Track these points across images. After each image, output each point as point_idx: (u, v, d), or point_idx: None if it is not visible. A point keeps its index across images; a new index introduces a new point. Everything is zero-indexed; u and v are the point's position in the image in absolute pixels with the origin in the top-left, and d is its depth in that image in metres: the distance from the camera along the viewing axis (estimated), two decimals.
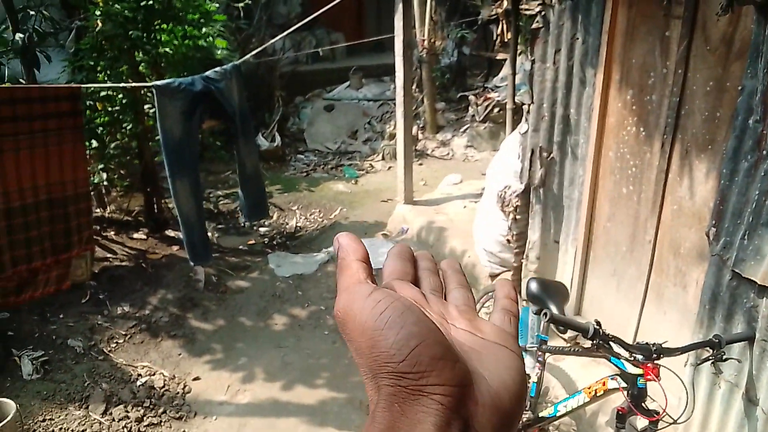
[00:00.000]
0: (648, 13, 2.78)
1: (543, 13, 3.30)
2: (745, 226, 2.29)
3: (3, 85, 3.75)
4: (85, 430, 3.31)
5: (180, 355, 4.04)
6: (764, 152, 2.21)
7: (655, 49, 2.78)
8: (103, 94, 4.91)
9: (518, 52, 5.79)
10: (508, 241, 3.92)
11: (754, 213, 2.25)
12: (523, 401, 0.39)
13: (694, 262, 2.71)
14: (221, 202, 6.70)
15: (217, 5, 5.32)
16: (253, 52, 5.35)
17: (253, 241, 5.84)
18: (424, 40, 8.38)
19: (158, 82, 3.76)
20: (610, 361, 2.24)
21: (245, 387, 3.76)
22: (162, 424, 3.43)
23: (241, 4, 6.95)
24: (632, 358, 2.15)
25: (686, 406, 2.17)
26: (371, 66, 10.24)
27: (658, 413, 2.13)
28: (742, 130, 2.29)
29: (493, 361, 0.38)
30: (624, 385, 2.21)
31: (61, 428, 3.30)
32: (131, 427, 3.36)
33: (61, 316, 4.15)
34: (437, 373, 0.34)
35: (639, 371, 2.14)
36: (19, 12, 4.39)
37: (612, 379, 2.27)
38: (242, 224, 5.98)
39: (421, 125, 8.66)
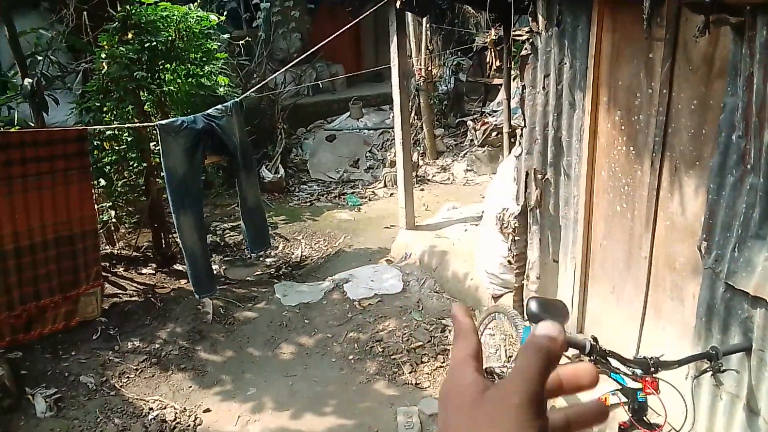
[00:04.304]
0: (631, 36, 2.89)
1: (531, 40, 3.41)
2: (735, 239, 2.35)
3: (12, 130, 3.88)
4: None
5: (190, 387, 4.08)
6: (748, 167, 2.29)
7: (640, 71, 2.88)
8: (109, 133, 5.05)
9: (512, 77, 5.93)
10: (509, 262, 3.98)
11: (742, 225, 2.32)
12: None
13: (690, 276, 2.76)
14: (227, 235, 6.79)
15: (219, 44, 5.50)
16: (255, 88, 5.52)
17: (259, 272, 5.92)
18: (420, 69, 8.56)
19: (161, 122, 3.89)
20: (610, 376, 2.28)
21: (255, 417, 3.80)
22: None
23: (241, 42, 7.16)
24: (631, 373, 2.19)
25: (686, 418, 2.20)
26: (371, 96, 10.42)
27: (659, 426, 2.17)
28: (727, 146, 2.37)
29: None
30: (624, 399, 2.24)
31: None
32: None
33: (73, 353, 4.20)
34: None
35: (638, 385, 2.18)
36: (28, 57, 4.57)
37: (613, 394, 2.31)
38: (248, 255, 6.05)
39: (421, 152, 8.78)
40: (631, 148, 3.01)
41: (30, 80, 4.35)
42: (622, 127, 3.04)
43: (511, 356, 3.69)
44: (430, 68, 8.85)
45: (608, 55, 3.05)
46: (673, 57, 2.67)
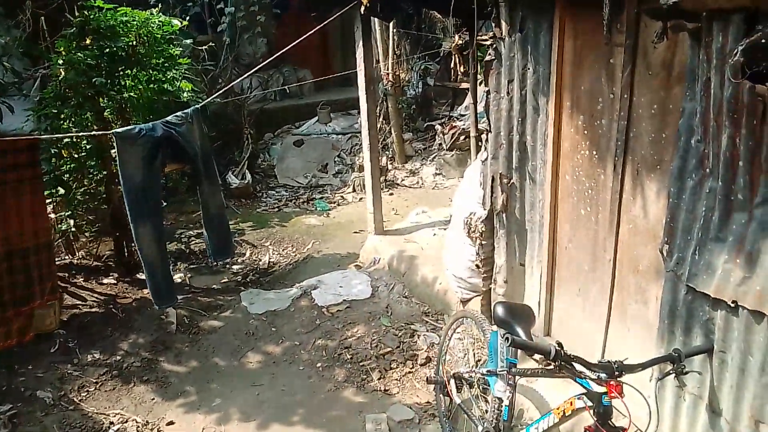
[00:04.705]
0: (593, 42, 2.91)
1: (494, 45, 3.42)
2: (695, 242, 2.38)
3: None
4: None
5: (153, 399, 3.97)
6: (707, 170, 2.32)
7: (601, 76, 2.90)
8: (67, 141, 4.90)
9: (479, 81, 5.97)
10: (477, 266, 3.98)
11: (702, 229, 2.35)
12: None
13: (653, 279, 2.79)
14: (192, 242, 6.66)
15: (182, 49, 5.40)
16: (219, 93, 5.42)
17: (225, 280, 5.81)
18: (388, 73, 8.57)
19: (118, 130, 3.79)
20: (575, 380, 2.28)
21: (221, 428, 3.72)
22: None
23: (205, 47, 7.05)
24: (596, 377, 2.20)
25: (650, 420, 2.22)
26: (339, 100, 10.39)
27: (624, 429, 2.18)
28: (686, 150, 2.40)
29: None
30: (590, 403, 2.25)
31: None
32: None
33: (30, 367, 4.05)
34: None
35: (603, 389, 2.18)
36: None
37: (578, 398, 2.31)
38: (214, 263, 5.95)
39: (390, 156, 8.78)
40: (594, 152, 3.03)
41: None
42: (585, 132, 3.06)
43: (479, 360, 3.69)
44: (398, 72, 8.86)
45: (571, 60, 3.08)
46: (633, 62, 2.70)
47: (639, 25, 2.62)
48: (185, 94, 5.35)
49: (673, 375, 2.29)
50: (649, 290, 2.83)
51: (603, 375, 2.15)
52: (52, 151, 4.94)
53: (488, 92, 3.59)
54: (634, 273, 2.90)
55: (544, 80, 3.20)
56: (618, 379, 2.15)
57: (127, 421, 3.74)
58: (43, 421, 3.65)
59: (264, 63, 5.14)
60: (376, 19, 7.22)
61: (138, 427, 3.70)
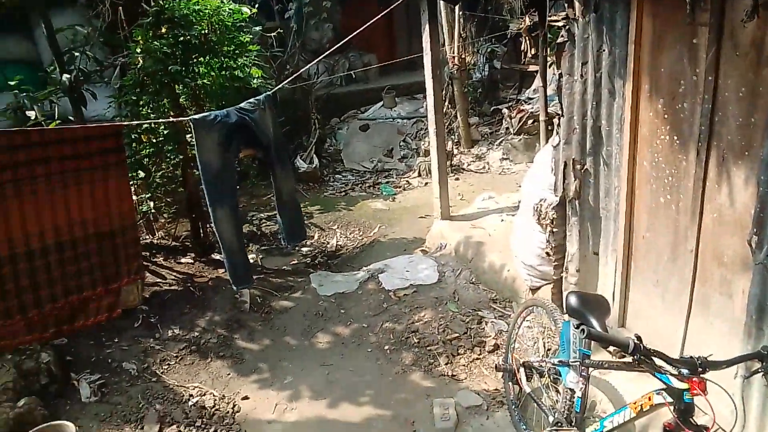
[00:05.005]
0: (673, 21, 2.77)
1: (567, 26, 3.32)
2: None
3: (50, 126, 3.97)
4: None
5: (229, 375, 4.15)
6: None
7: (683, 56, 2.76)
8: (146, 126, 5.14)
9: (548, 63, 5.80)
10: (547, 253, 3.91)
11: None
12: None
13: (739, 271, 2.65)
14: (264, 225, 6.86)
15: (251, 36, 5.51)
16: (288, 79, 5.52)
17: (295, 261, 5.96)
18: (454, 57, 8.45)
19: (195, 116, 3.92)
20: (654, 375, 2.21)
21: (292, 405, 3.84)
22: None
23: (274, 34, 7.17)
24: (677, 373, 2.12)
25: (736, 420, 2.13)
26: (404, 84, 10.35)
27: (707, 428, 2.09)
28: None
29: None
30: (670, 400, 2.17)
31: None
32: None
33: (116, 340, 4.32)
34: None
35: (685, 386, 2.10)
36: (65, 53, 4.66)
37: (657, 394, 2.23)
38: (284, 245, 6.11)
39: (455, 140, 8.69)
40: (675, 138, 2.90)
41: (68, 75, 4.45)
42: (665, 116, 2.93)
43: (549, 349, 3.64)
44: (463, 56, 8.72)
45: (649, 41, 2.94)
46: (719, 42, 2.55)
47: (725, 2, 2.47)
48: (255, 81, 5.47)
49: (762, 373, 2.18)
50: (735, 283, 2.69)
51: (685, 371, 2.07)
52: (133, 137, 5.19)
53: (560, 75, 3.49)
54: (718, 264, 2.77)
55: (620, 62, 3.08)
56: (702, 375, 2.06)
57: (205, 394, 3.92)
58: (128, 391, 3.88)
59: (332, 49, 5.18)
60: (441, 2, 7.13)
61: (215, 400, 3.88)
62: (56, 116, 4.70)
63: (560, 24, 3.53)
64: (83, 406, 3.71)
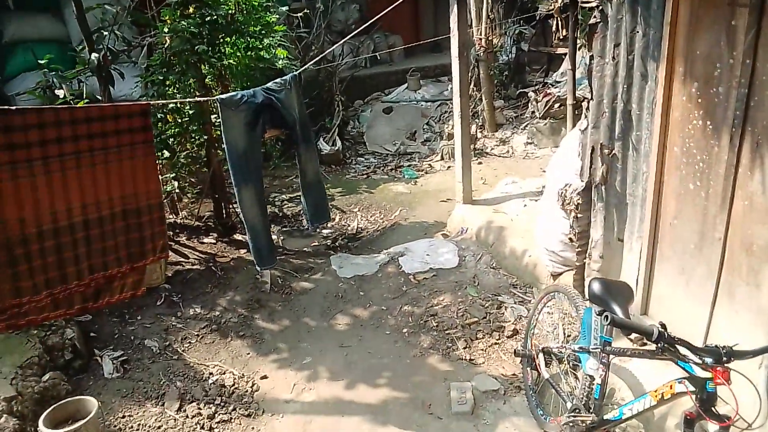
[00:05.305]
0: (712, 2, 2.68)
1: (600, 7, 3.23)
2: None
3: (79, 105, 4.01)
4: (161, 426, 3.50)
5: (248, 354, 4.20)
6: None
7: (720, 39, 2.67)
8: (172, 106, 5.17)
9: (578, 46, 5.68)
10: (570, 239, 3.85)
11: None
12: None
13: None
14: (285, 206, 6.90)
15: (277, 16, 5.49)
16: (313, 60, 5.49)
17: (316, 243, 5.99)
18: (480, 39, 8.33)
19: (222, 96, 3.92)
20: (677, 364, 2.17)
21: (310, 385, 3.87)
22: (232, 421, 3.58)
23: (300, 14, 7.14)
24: (701, 362, 2.08)
25: (760, 412, 2.08)
26: (429, 67, 10.26)
27: (729, 418, 2.06)
28: None
29: None
30: (692, 388, 2.14)
31: (139, 425, 3.50)
32: (204, 424, 3.52)
33: (139, 317, 4.40)
34: None
35: (708, 375, 2.07)
36: (94, 33, 4.69)
37: (679, 382, 2.20)
38: (306, 227, 6.14)
39: (480, 124, 8.60)
40: (708, 123, 2.82)
41: (96, 55, 4.48)
42: (699, 100, 2.85)
43: (569, 336, 3.61)
44: (490, 38, 8.59)
45: (685, 22, 2.85)
46: (759, 24, 2.46)
47: None
48: (281, 62, 5.46)
49: None
50: (763, 273, 2.62)
51: (710, 360, 2.03)
52: (159, 116, 5.23)
53: (591, 57, 3.40)
54: (747, 253, 2.70)
55: (654, 44, 2.99)
56: (726, 365, 2.02)
57: (224, 373, 3.98)
58: (150, 367, 3.95)
59: (357, 31, 5.14)
60: None
61: (234, 378, 3.93)
62: (84, 95, 4.75)
63: (593, 5, 3.44)
64: (106, 382, 3.78)
